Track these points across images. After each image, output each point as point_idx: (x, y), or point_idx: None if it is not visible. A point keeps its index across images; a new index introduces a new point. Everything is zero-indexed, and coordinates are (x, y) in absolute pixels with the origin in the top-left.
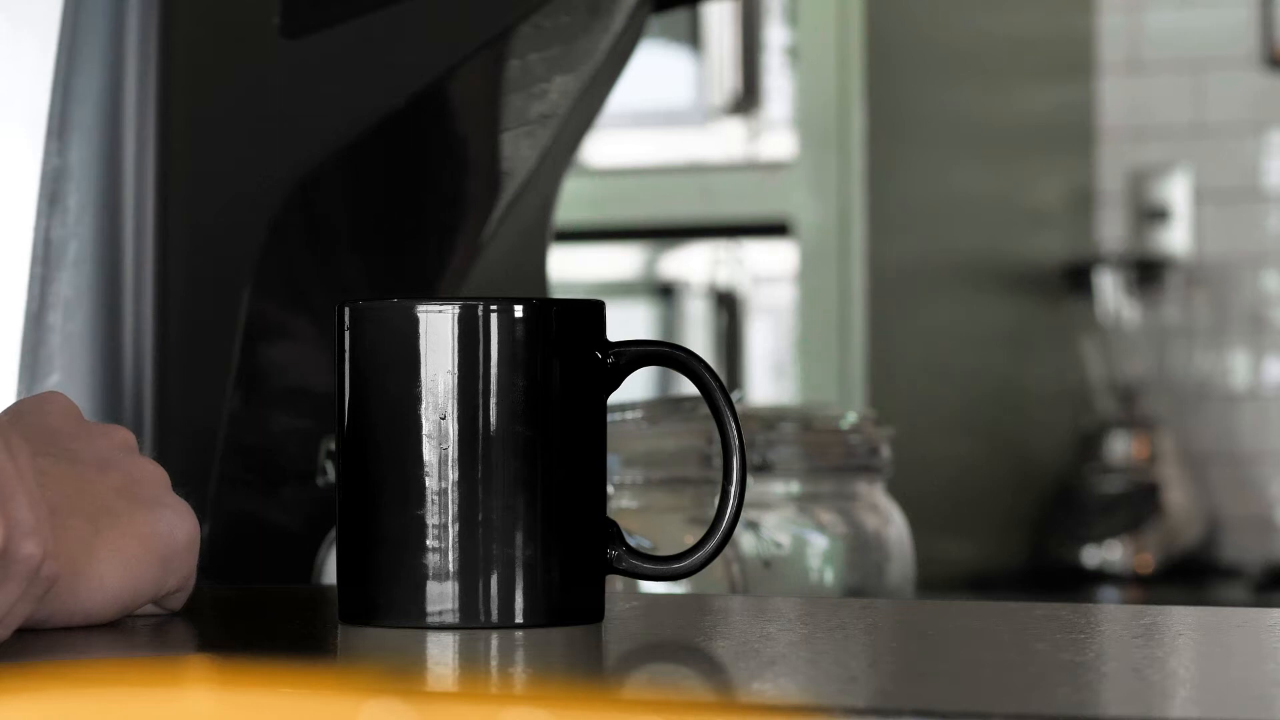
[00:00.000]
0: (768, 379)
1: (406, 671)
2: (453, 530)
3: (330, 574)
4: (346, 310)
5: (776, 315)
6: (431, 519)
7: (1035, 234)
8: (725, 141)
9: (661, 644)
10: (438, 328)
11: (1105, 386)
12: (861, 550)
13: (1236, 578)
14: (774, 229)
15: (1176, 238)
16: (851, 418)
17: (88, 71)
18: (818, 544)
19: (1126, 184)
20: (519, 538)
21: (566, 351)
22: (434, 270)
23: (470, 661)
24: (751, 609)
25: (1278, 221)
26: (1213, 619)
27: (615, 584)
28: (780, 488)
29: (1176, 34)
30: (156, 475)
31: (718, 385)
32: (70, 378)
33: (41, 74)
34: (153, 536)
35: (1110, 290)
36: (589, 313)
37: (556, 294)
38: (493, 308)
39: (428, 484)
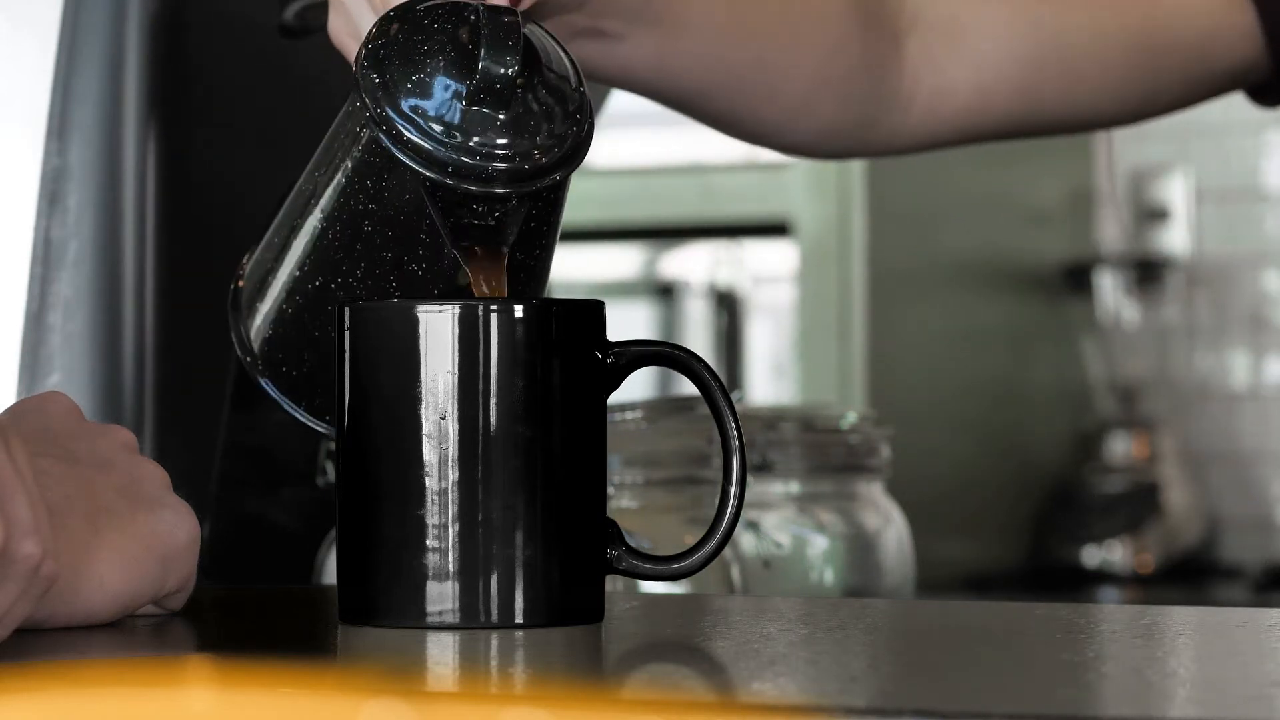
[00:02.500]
0: (768, 379)
1: (406, 671)
2: (453, 530)
3: (330, 574)
4: (346, 310)
5: (776, 315)
6: (431, 519)
7: (1035, 234)
8: (725, 141)
9: (661, 644)
10: (438, 328)
11: (1105, 386)
12: (861, 550)
13: (1236, 578)
14: (774, 229)
15: (1176, 238)
16: (851, 418)
17: (88, 71)
18: (818, 544)
19: (1126, 184)
20: (519, 538)
21: (566, 351)
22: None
23: (470, 661)
24: (751, 609)
25: (1278, 221)
26: (1213, 619)
27: (615, 584)
28: (780, 488)
29: None
30: (156, 475)
31: (718, 385)
32: (70, 378)
33: (41, 74)
34: (153, 536)
35: (1110, 290)
36: (589, 313)
37: (556, 294)
38: (493, 308)
39: (428, 484)
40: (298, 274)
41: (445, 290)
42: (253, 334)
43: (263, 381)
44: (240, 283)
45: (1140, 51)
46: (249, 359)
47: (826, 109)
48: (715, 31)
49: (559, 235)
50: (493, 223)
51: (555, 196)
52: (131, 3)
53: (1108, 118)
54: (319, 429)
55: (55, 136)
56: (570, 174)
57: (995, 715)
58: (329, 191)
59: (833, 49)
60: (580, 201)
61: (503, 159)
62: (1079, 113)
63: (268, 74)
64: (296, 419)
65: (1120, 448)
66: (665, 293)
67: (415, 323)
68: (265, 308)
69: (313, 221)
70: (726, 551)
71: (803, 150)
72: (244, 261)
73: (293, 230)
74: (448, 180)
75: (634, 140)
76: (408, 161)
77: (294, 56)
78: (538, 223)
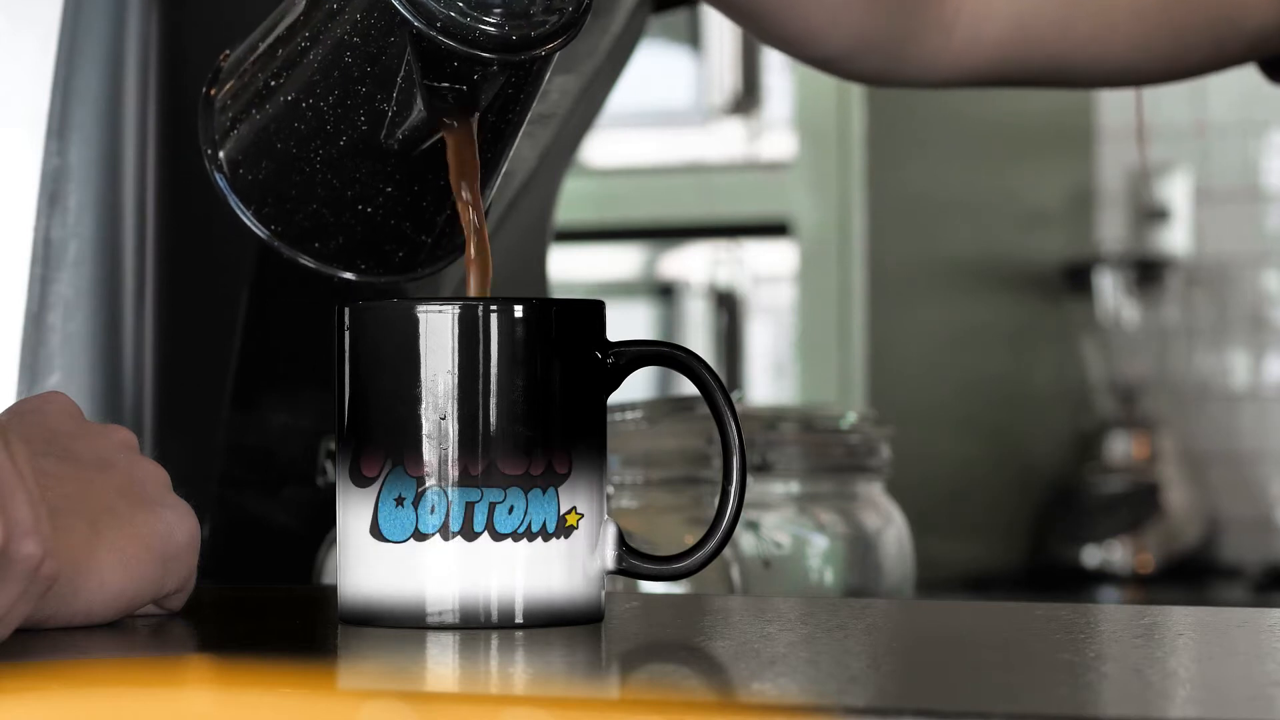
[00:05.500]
0: (768, 379)
1: (406, 671)
2: (452, 530)
3: (330, 574)
4: (346, 310)
5: (776, 315)
6: (432, 520)
7: (1035, 234)
8: (725, 141)
9: (661, 644)
10: (438, 328)
11: (1105, 386)
12: (861, 550)
13: (1236, 578)
14: (774, 229)
15: (1176, 238)
16: (851, 418)
17: (88, 71)
18: (818, 544)
19: (1126, 184)
20: (519, 538)
21: (566, 351)
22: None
23: (470, 661)
24: (751, 609)
25: (1278, 221)
26: (1213, 619)
27: (615, 584)
28: (780, 488)
29: None
30: (157, 475)
31: (718, 385)
32: (70, 378)
33: (41, 74)
34: (153, 536)
35: (1110, 290)
36: (589, 313)
37: (556, 294)
38: (493, 308)
39: (428, 484)
40: (272, 83)
41: (409, 135)
42: (216, 129)
43: (217, 177)
44: (213, 90)
45: (1174, 2)
46: (209, 152)
47: (865, 19)
48: None
49: (533, 106)
50: (467, 86)
51: (538, 68)
52: (131, 2)
53: (1139, 71)
54: (260, 234)
55: (55, 136)
56: (558, 50)
57: (995, 715)
58: (319, 13)
59: None
60: (580, 201)
61: (494, 24)
62: (1113, 60)
63: None
64: (263, 236)
65: (1120, 448)
66: (665, 293)
67: (415, 323)
68: (235, 108)
69: (296, 36)
70: (726, 551)
71: (837, 64)
72: (223, 56)
73: (275, 39)
74: (434, 34)
75: (634, 140)
76: (399, 7)
77: None
78: (515, 89)
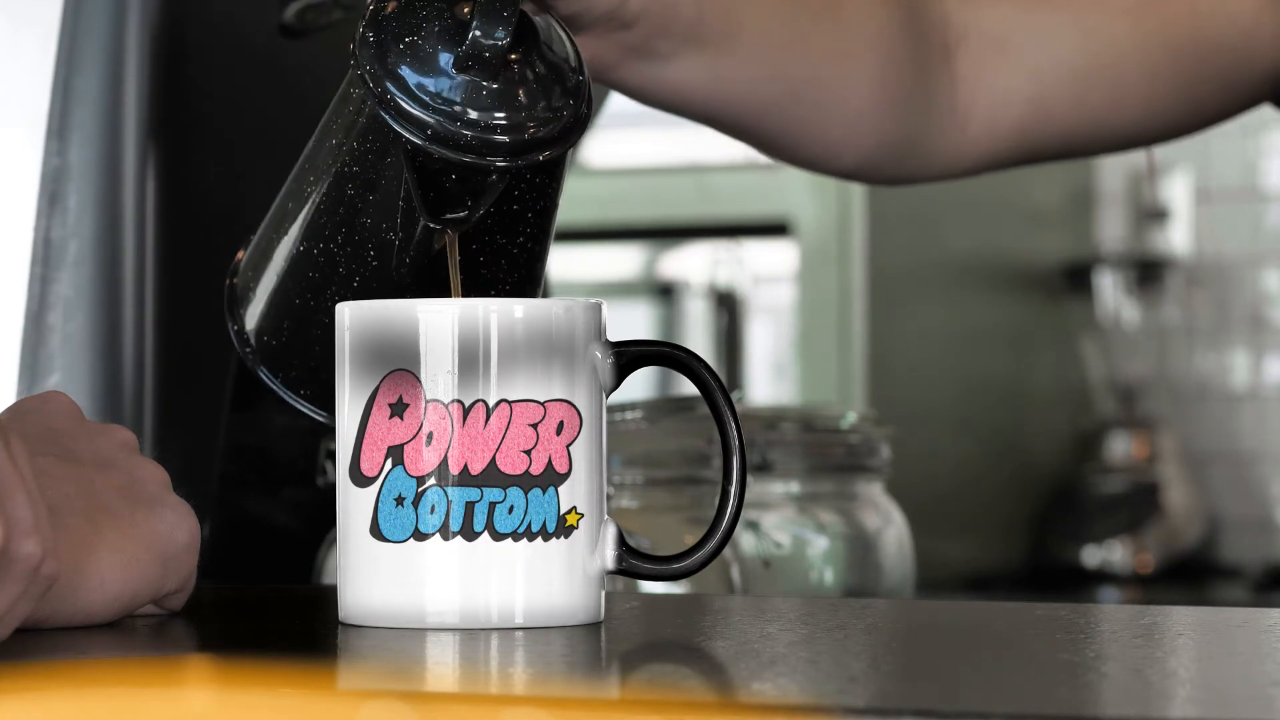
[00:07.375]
0: (768, 379)
1: (406, 671)
2: (453, 531)
3: (330, 574)
4: (346, 310)
5: (776, 315)
6: (432, 519)
7: (1035, 234)
8: (725, 141)
9: (661, 644)
10: (438, 328)
11: (1105, 386)
12: (861, 550)
13: (1236, 578)
14: (774, 229)
15: (1176, 238)
16: (851, 418)
17: (88, 71)
18: (818, 544)
19: (1126, 184)
20: (520, 538)
21: (566, 351)
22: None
23: (470, 661)
24: (751, 609)
25: (1278, 221)
26: (1213, 619)
27: (615, 584)
28: (780, 488)
29: None
30: (157, 475)
31: (718, 385)
32: (70, 378)
33: (41, 74)
34: (153, 536)
35: (1110, 290)
36: (589, 313)
37: (556, 294)
38: (493, 308)
39: (428, 484)
40: (284, 239)
41: (418, 260)
42: (240, 307)
43: (247, 354)
44: (234, 279)
45: (1184, 55)
46: (234, 328)
47: (882, 125)
48: (769, 50)
49: (552, 232)
50: (468, 197)
51: (541, 181)
52: (131, 2)
53: (1150, 132)
54: (292, 402)
55: (55, 136)
56: (555, 156)
57: (995, 715)
58: (321, 155)
59: (885, 63)
60: (580, 201)
61: (483, 129)
62: (1126, 125)
63: (268, 74)
64: (292, 405)
65: (1120, 448)
66: (665, 293)
67: (415, 323)
68: (253, 278)
69: (303, 187)
70: (726, 551)
71: (860, 174)
72: (240, 254)
73: (286, 197)
74: (426, 143)
75: (634, 140)
76: (389, 120)
77: (294, 56)
78: (521, 207)
